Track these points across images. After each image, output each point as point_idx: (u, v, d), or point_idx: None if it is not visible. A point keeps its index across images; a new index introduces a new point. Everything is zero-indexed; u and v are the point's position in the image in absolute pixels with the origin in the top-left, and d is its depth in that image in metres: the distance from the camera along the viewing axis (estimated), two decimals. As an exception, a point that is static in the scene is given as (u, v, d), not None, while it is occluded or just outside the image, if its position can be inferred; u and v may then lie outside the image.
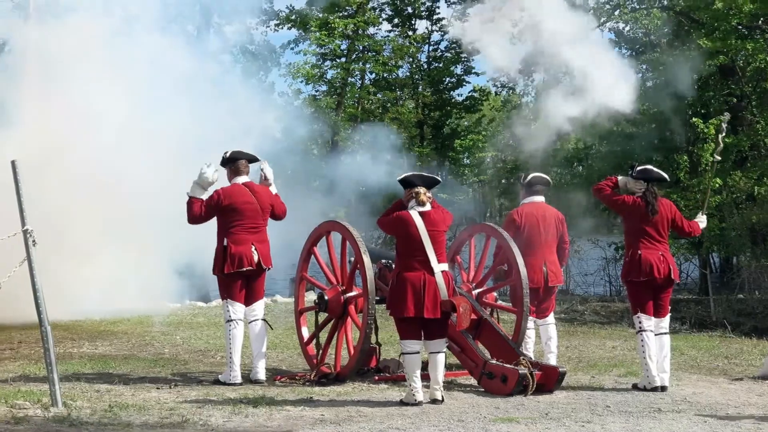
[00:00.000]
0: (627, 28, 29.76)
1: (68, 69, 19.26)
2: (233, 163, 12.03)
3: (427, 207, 10.59)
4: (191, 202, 11.87)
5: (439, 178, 11.55)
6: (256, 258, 11.79)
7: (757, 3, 23.59)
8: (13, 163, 9.90)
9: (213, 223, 11.99)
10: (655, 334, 11.46)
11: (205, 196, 11.86)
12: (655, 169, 11.88)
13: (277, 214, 12.17)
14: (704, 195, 14.30)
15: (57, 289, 13.67)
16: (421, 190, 10.60)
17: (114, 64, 20.24)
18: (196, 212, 11.86)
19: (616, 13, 28.49)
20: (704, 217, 12.30)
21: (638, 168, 11.82)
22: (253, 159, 12.21)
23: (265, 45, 30.95)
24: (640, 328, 11.48)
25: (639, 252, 11.44)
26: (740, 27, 24.48)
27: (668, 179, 12.39)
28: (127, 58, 20.67)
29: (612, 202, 11.89)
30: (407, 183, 10.71)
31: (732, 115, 25.18)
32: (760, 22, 24.57)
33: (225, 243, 11.79)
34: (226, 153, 12.09)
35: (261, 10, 29.95)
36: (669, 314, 11.75)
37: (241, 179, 12.01)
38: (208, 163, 11.95)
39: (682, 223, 11.83)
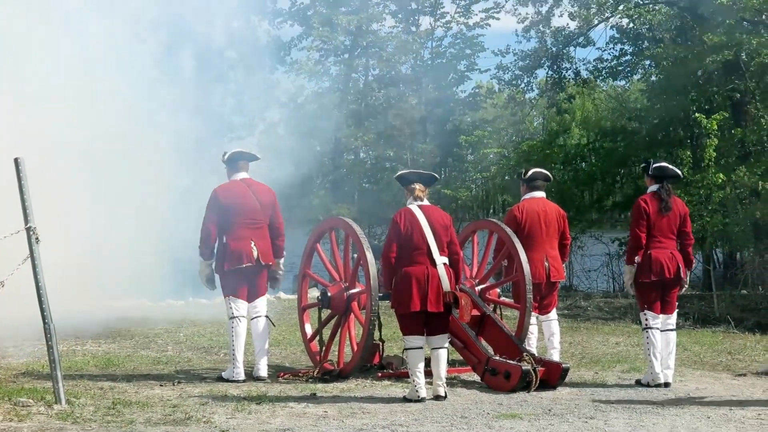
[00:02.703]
0: (630, 24, 29.71)
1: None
2: (232, 163, 12.04)
3: (425, 202, 10.69)
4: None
5: (437, 175, 11.62)
6: (255, 254, 11.77)
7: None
8: (16, 160, 9.90)
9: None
10: (662, 331, 11.47)
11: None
12: (671, 167, 11.88)
13: (276, 225, 12.13)
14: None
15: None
16: (417, 186, 10.69)
17: (116, 63, 20.19)
18: (212, 237, 11.90)
19: (620, 8, 28.44)
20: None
21: (654, 165, 11.81)
22: (252, 158, 12.20)
23: (272, 40, 30.82)
24: (647, 325, 11.50)
25: (649, 252, 11.45)
26: (745, 22, 24.41)
27: (682, 177, 12.37)
28: (129, 58, 20.62)
29: (639, 226, 11.65)
30: (405, 180, 10.83)
31: (734, 111, 25.23)
32: (764, 17, 24.50)
33: (224, 240, 11.81)
34: (225, 154, 12.10)
35: (265, 7, 29.90)
36: (676, 311, 11.77)
37: (240, 176, 12.00)
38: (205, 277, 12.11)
39: (686, 226, 11.76)
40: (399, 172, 11.21)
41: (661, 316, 11.51)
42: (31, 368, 12.64)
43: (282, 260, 12.21)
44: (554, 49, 30.35)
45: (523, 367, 10.88)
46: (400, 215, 10.59)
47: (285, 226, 12.30)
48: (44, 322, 9.85)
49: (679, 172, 12.04)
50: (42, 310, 9.85)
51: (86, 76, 19.19)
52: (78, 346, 14.89)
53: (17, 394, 10.16)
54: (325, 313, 12.29)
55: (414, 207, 10.61)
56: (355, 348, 11.90)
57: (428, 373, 10.58)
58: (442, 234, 10.54)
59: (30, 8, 19.20)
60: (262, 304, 11.97)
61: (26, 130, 17.26)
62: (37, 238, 9.87)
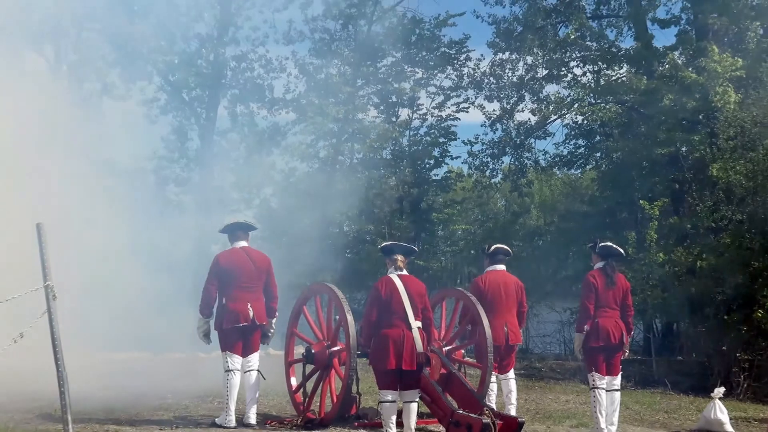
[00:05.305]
0: (584, 120, 30.02)
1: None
2: (233, 232, 12.06)
3: (405, 272, 10.73)
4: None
5: (415, 248, 11.71)
6: (251, 314, 11.77)
7: (698, 102, 23.95)
8: (38, 225, 9.86)
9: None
10: (607, 390, 11.49)
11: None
12: (615, 246, 11.99)
13: (271, 289, 12.11)
14: None
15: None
16: (399, 257, 10.75)
17: (130, 141, 20.29)
18: (212, 298, 11.86)
19: (575, 106, 28.75)
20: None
21: (600, 244, 11.90)
22: (250, 228, 12.22)
23: (271, 127, 30.85)
24: (593, 385, 11.51)
25: (597, 320, 11.51)
26: (684, 121, 24.76)
27: (624, 255, 12.49)
28: (142, 137, 20.73)
29: (588, 299, 11.71)
30: (388, 251, 10.89)
31: (673, 198, 25.45)
32: (700, 117, 24.89)
33: (224, 301, 11.80)
34: (226, 225, 12.13)
35: (264, 97, 30.00)
36: (620, 373, 11.79)
37: (239, 244, 12.02)
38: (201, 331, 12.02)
39: (628, 299, 11.85)
40: (383, 244, 11.35)
41: (606, 377, 11.54)
42: (45, 411, 12.52)
43: (274, 320, 12.19)
44: (517, 140, 30.59)
45: (483, 420, 10.80)
46: (381, 283, 10.64)
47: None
48: (58, 370, 9.77)
49: (622, 251, 12.16)
50: (56, 359, 9.75)
51: (98, 150, 19.22)
52: (87, 393, 14.74)
53: (30, 435, 10.06)
54: (309, 368, 12.26)
55: (394, 276, 10.66)
56: (335, 400, 11.84)
57: (399, 424, 10.55)
58: (417, 301, 10.58)
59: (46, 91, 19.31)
60: (255, 358, 11.94)
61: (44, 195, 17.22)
62: (54, 295, 9.81)
